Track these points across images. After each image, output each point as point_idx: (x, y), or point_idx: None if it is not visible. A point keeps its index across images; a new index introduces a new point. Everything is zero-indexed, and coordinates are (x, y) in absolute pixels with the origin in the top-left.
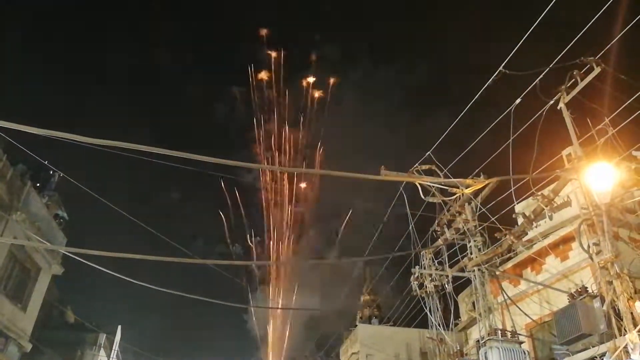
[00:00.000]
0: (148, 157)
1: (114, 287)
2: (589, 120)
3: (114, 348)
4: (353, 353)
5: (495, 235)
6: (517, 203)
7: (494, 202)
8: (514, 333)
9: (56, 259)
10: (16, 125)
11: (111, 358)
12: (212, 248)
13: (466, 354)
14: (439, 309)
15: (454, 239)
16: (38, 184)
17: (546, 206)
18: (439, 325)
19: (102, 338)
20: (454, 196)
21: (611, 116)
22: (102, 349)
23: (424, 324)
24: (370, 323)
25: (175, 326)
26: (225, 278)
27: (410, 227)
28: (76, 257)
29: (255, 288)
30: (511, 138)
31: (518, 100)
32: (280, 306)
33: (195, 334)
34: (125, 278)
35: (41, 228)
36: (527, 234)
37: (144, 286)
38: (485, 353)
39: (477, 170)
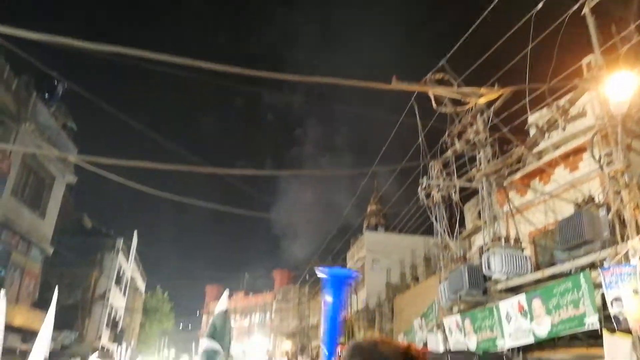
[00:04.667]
0: (160, 67)
1: (128, 198)
2: (613, 27)
3: (131, 252)
4: (359, 258)
5: (506, 147)
6: (531, 114)
7: (506, 114)
8: (517, 240)
9: (69, 169)
10: (20, 31)
11: (129, 261)
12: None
13: (469, 259)
14: (445, 218)
15: (463, 150)
16: (44, 95)
17: (561, 117)
18: (444, 232)
19: (120, 243)
20: (467, 106)
21: (637, 22)
22: (120, 252)
23: (429, 232)
24: (376, 231)
25: (194, 235)
26: (246, 192)
27: (420, 139)
28: (87, 166)
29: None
30: (530, 45)
31: (540, 5)
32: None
33: (214, 242)
34: (134, 185)
35: (51, 138)
36: (538, 145)
37: (163, 198)
38: (488, 258)
39: (492, 80)
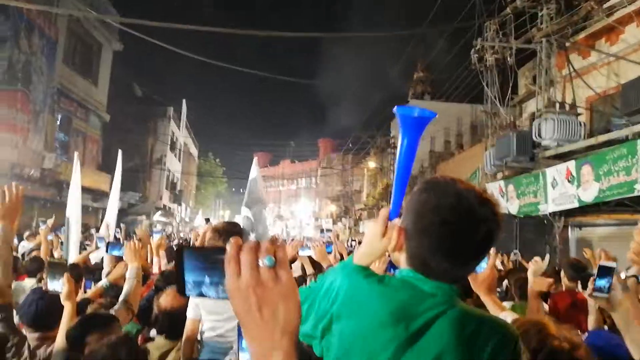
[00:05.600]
0: None
1: (175, 68)
2: None
3: (182, 119)
4: None
5: (573, 1)
6: None
7: None
8: (573, 105)
9: (114, 35)
10: None
11: (181, 129)
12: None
13: (519, 127)
14: (497, 83)
15: (524, 7)
16: None
17: None
18: (495, 98)
19: (170, 110)
20: None
21: None
22: (172, 120)
23: (477, 100)
24: (422, 99)
25: (241, 105)
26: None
27: None
28: (130, 30)
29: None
30: None
31: None
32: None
33: (261, 112)
34: (179, 50)
35: (93, 4)
36: None
37: (211, 67)
38: (539, 124)
39: None
